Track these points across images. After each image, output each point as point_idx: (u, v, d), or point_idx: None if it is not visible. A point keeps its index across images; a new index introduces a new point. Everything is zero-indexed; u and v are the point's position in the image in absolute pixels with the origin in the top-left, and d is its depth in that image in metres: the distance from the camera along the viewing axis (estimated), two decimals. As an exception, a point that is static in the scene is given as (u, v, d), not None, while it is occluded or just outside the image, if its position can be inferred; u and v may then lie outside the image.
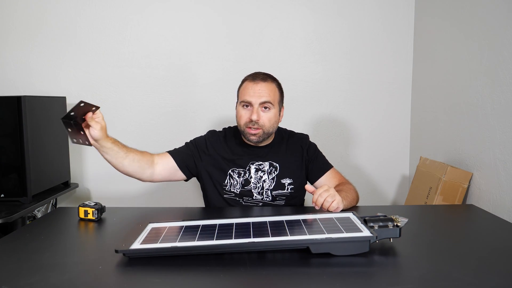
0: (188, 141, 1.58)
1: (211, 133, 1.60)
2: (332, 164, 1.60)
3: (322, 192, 1.25)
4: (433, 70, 2.16)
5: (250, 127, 1.45)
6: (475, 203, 1.72)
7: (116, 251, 0.96)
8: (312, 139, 1.64)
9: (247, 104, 1.46)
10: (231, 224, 1.11)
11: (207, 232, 1.06)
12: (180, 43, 2.36)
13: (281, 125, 1.64)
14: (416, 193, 2.02)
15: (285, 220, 1.14)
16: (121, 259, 0.97)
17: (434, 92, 2.16)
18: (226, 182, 1.50)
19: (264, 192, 1.49)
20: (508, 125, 1.57)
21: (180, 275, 0.89)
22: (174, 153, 1.52)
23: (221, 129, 1.64)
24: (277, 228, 1.07)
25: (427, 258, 0.98)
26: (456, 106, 1.93)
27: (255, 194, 1.49)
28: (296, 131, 1.66)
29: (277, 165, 1.52)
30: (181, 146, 1.57)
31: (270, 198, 1.50)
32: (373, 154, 2.45)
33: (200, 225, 1.12)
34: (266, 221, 1.14)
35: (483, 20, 1.73)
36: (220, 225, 1.11)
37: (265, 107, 1.45)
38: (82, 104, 1.11)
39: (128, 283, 0.88)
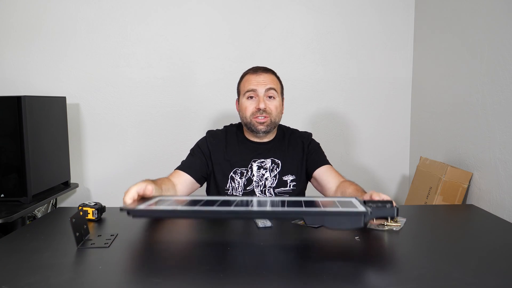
0: (193, 147, 1.56)
1: (211, 134, 1.57)
2: (332, 164, 1.60)
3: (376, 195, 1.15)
4: (433, 70, 2.16)
5: (257, 117, 1.45)
6: (475, 203, 1.72)
7: (121, 209, 0.98)
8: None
9: (252, 95, 1.46)
10: (234, 200, 1.13)
11: (210, 203, 1.08)
12: (180, 43, 2.36)
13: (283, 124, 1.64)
14: (416, 193, 2.02)
15: (287, 200, 1.15)
16: (121, 259, 0.97)
17: (434, 92, 2.16)
18: (228, 186, 1.49)
19: (267, 190, 1.48)
20: (508, 125, 1.57)
21: (180, 275, 0.89)
22: (186, 168, 1.49)
23: (221, 128, 1.62)
24: (277, 204, 1.08)
25: (427, 258, 0.98)
26: (456, 106, 1.93)
27: (258, 194, 1.48)
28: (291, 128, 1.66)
29: (279, 161, 1.51)
30: (187, 156, 1.54)
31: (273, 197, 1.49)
32: (373, 154, 2.45)
33: (204, 200, 1.13)
34: (267, 200, 1.16)
35: (483, 20, 1.73)
36: (224, 200, 1.13)
37: (270, 96, 1.47)
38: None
39: (128, 283, 0.88)
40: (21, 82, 2.35)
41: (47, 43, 2.34)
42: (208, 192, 1.56)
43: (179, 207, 1.02)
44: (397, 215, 1.02)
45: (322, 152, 1.60)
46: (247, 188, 1.48)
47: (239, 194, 1.48)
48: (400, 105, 2.43)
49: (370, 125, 2.44)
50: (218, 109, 2.39)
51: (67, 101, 2.31)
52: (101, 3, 2.33)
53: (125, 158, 2.39)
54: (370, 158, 2.46)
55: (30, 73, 2.35)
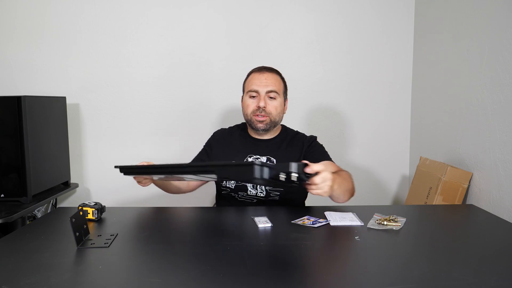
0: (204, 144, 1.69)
1: (217, 131, 1.70)
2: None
3: (321, 178, 1.07)
4: (433, 70, 2.16)
5: (257, 115, 1.52)
6: (475, 203, 1.72)
7: (115, 167, 1.33)
8: (312, 139, 1.64)
9: (254, 94, 1.53)
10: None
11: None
12: (180, 43, 2.36)
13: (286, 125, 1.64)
14: (416, 193, 2.02)
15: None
16: (121, 259, 0.97)
17: (434, 92, 2.16)
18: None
19: (258, 186, 1.51)
20: (508, 125, 1.57)
21: (180, 275, 0.90)
22: (193, 162, 1.63)
23: (225, 127, 1.72)
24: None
25: (427, 258, 0.98)
26: (456, 106, 1.93)
27: (249, 188, 1.51)
28: (296, 131, 1.66)
29: (274, 160, 1.53)
30: (200, 151, 1.67)
31: (264, 193, 1.50)
32: (373, 154, 2.45)
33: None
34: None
35: (483, 20, 1.73)
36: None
37: (271, 97, 1.53)
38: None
39: (128, 283, 0.88)
40: (21, 82, 2.35)
41: (47, 43, 2.34)
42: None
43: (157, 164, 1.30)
44: (296, 171, 0.96)
45: (325, 152, 1.58)
46: (239, 183, 1.52)
47: (231, 186, 1.53)
48: (400, 105, 2.43)
49: (370, 125, 2.44)
50: (219, 109, 2.39)
51: (67, 101, 2.31)
52: (102, 3, 2.33)
53: (125, 158, 2.39)
54: (370, 158, 2.46)
55: (30, 73, 2.35)
